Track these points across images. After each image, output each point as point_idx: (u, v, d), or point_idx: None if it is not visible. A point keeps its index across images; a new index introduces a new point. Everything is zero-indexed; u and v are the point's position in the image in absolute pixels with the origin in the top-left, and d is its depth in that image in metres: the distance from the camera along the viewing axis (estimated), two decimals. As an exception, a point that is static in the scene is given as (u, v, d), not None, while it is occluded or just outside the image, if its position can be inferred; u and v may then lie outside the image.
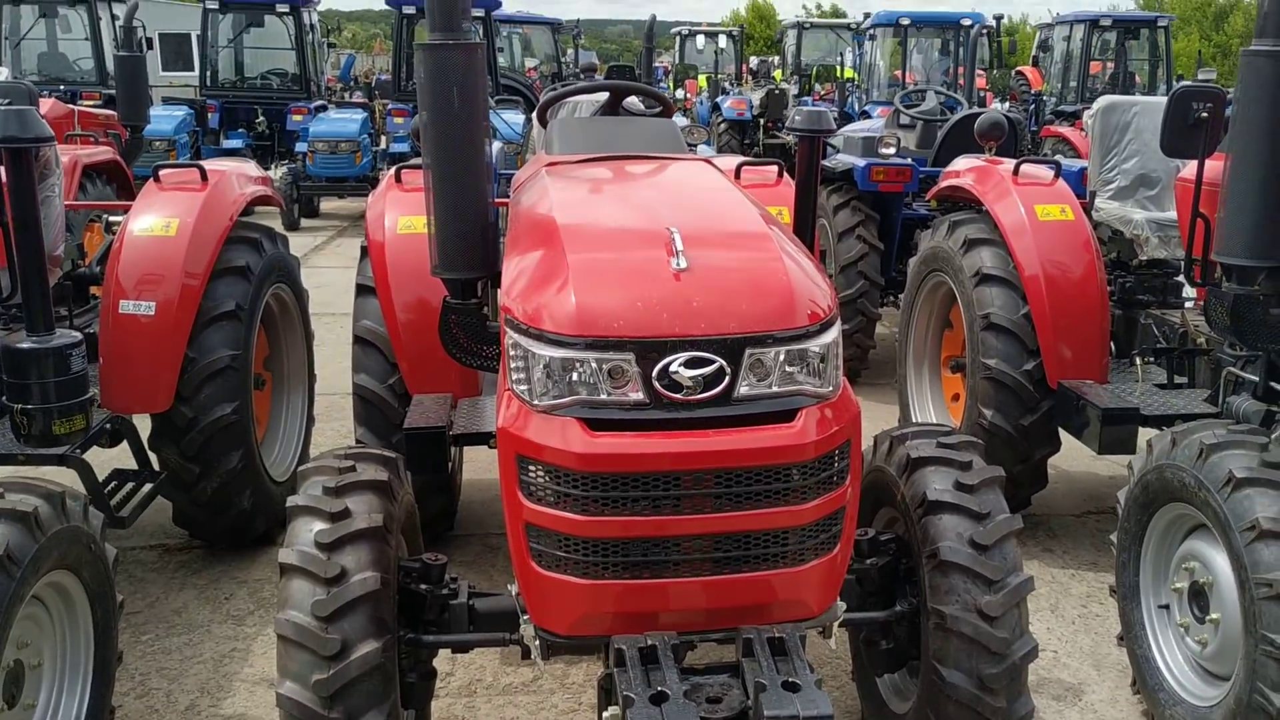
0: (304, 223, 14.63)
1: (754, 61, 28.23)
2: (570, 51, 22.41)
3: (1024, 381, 4.90)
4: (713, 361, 2.48)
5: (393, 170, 4.89)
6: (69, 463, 4.21)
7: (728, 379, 2.49)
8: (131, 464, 4.72)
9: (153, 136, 14.03)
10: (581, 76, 12.15)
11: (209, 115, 16.04)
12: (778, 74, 25.92)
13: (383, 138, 16.67)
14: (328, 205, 16.30)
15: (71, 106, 10.05)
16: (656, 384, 2.47)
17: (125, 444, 4.67)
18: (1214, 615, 3.45)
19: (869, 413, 7.09)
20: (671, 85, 26.16)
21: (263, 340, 5.57)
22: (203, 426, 4.67)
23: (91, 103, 15.01)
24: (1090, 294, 4.85)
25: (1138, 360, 4.95)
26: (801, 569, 2.60)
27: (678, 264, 2.60)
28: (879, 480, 3.46)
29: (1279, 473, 3.26)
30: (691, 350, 2.47)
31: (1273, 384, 4.16)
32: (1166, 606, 3.76)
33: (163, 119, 14.69)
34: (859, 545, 3.37)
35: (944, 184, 5.76)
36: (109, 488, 4.56)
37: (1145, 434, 4.27)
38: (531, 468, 2.54)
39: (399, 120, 15.50)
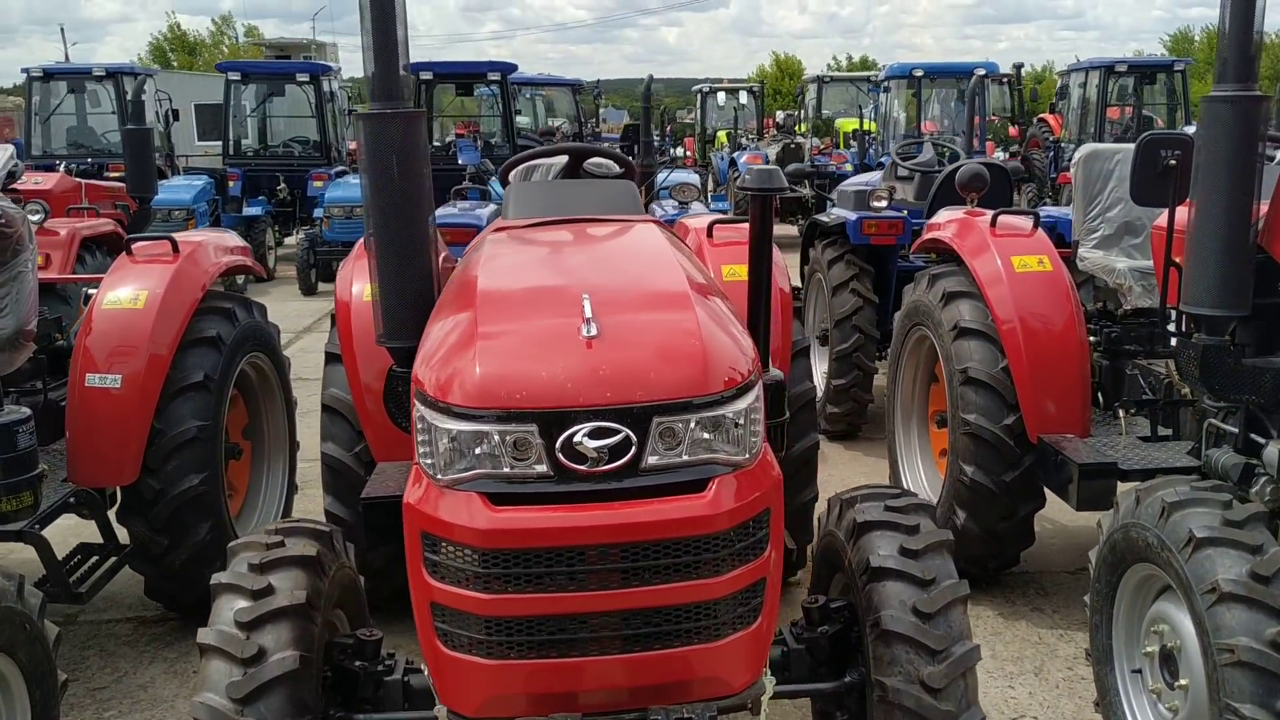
0: (321, 287, 14.75)
1: (780, 116, 28.37)
2: (602, 110, 22.62)
3: (1004, 436, 4.79)
4: (617, 431, 2.41)
5: (363, 239, 4.89)
6: (25, 539, 4.21)
7: (634, 449, 2.42)
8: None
9: (171, 206, 14.28)
10: (555, 139, 12.18)
11: (230, 184, 16.28)
12: (801, 127, 26.04)
13: None
14: (346, 270, 16.41)
15: (79, 180, 10.26)
16: (560, 456, 2.41)
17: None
18: (1183, 681, 3.31)
19: (864, 468, 7.05)
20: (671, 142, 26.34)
21: (241, 409, 5.58)
22: (170, 498, 4.65)
23: (118, 174, 15.33)
24: (1069, 346, 4.74)
25: (1121, 413, 4.81)
26: (718, 644, 2.51)
27: (588, 331, 2.54)
28: (830, 545, 3.36)
29: (1240, 532, 3.13)
30: (596, 420, 2.41)
31: (1253, 436, 4.02)
32: (1139, 671, 3.61)
33: (181, 189, 14.94)
34: (809, 613, 3.27)
35: (925, 237, 5.68)
36: (73, 562, 4.55)
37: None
38: (435, 544, 2.47)
39: None
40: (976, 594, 5.12)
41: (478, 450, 2.44)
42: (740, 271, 4.86)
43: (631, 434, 2.41)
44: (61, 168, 15.82)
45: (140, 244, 5.01)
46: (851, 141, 20.22)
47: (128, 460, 4.59)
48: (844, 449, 7.56)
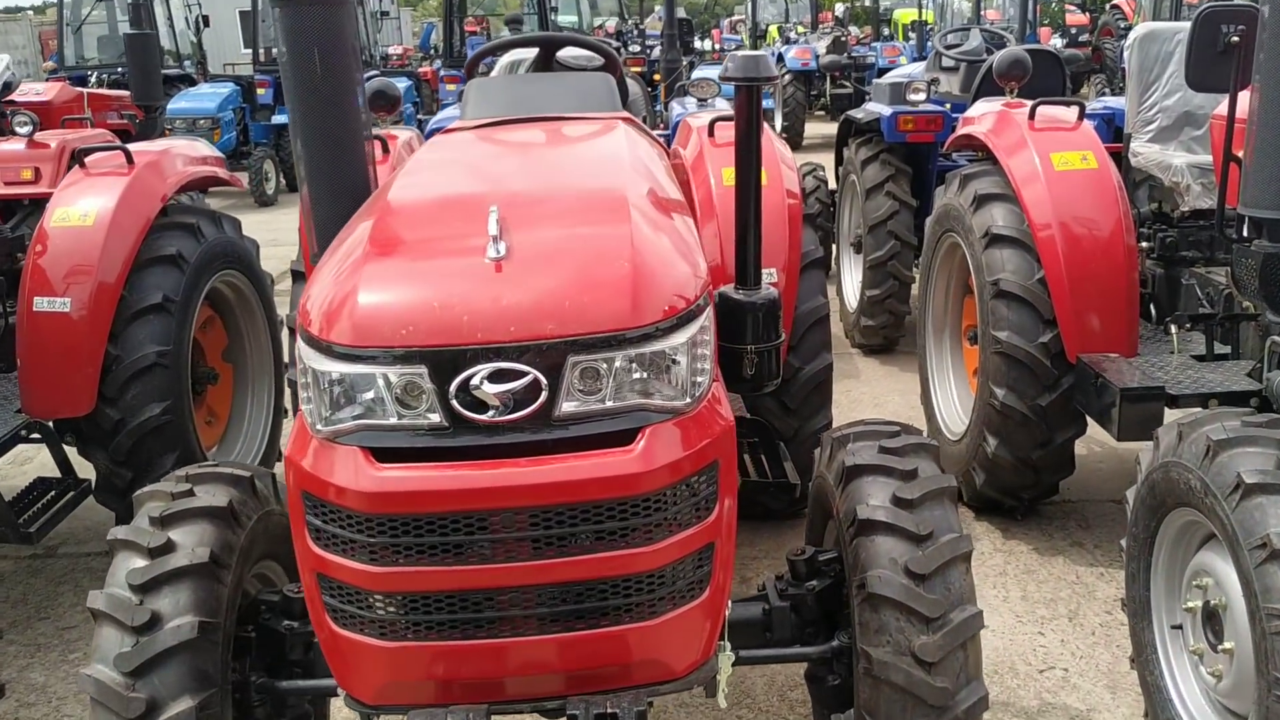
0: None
1: (840, 9, 27.25)
2: (658, 7, 21.73)
3: (1039, 356, 4.28)
4: (524, 374, 1.99)
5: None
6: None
7: (545, 394, 2.00)
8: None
9: (195, 115, 13.96)
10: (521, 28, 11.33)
11: (259, 91, 15.87)
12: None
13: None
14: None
15: (80, 89, 9.91)
16: (455, 403, 1.99)
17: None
18: (1228, 644, 2.86)
19: (900, 385, 6.57)
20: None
21: (219, 331, 5.25)
22: (131, 429, 4.35)
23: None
24: (1115, 253, 4.20)
25: (1173, 328, 4.28)
26: (655, 623, 2.11)
27: (495, 252, 2.11)
28: (821, 489, 2.95)
29: (1302, 477, 2.65)
30: (497, 360, 1.99)
31: (1322, 356, 3.50)
32: (1180, 627, 3.16)
33: (205, 96, 14.58)
34: (794, 566, 2.87)
35: (958, 132, 5.12)
36: (31, 498, 4.28)
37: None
38: (317, 506, 2.09)
39: (451, 87, 15.13)
40: (1010, 527, 4.71)
41: (360, 397, 2.04)
42: (668, 182, 4.40)
43: (541, 376, 1.99)
44: (94, 78, 15.57)
45: (94, 156, 4.63)
46: (910, 34, 19.22)
47: (82, 389, 4.28)
48: (879, 364, 7.08)
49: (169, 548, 2.54)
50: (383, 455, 2.03)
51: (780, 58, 17.81)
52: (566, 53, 4.16)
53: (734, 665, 2.73)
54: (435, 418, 2.01)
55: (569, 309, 2.03)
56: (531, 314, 2.01)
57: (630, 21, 21.88)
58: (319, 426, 2.09)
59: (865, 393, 6.55)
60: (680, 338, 2.11)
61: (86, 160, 4.62)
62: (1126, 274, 4.20)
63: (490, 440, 2.00)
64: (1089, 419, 4.33)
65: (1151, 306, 4.68)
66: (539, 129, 3.28)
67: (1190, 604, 3.05)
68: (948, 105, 6.92)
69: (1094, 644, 3.91)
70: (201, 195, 6.68)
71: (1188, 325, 4.28)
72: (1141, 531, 3.23)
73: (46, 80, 14.12)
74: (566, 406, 2.02)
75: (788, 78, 16.69)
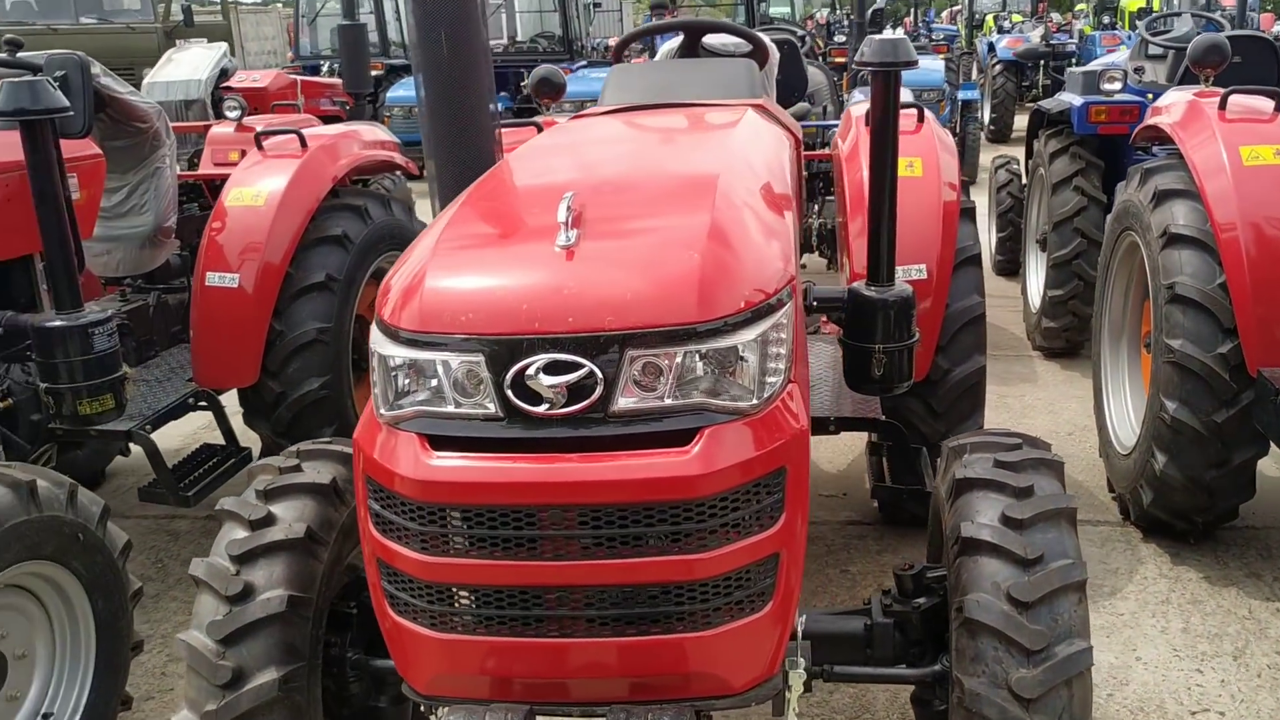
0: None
1: None
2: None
3: (1217, 368, 3.92)
4: (580, 366, 1.93)
5: None
6: (134, 438, 4.20)
7: (601, 388, 1.94)
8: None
9: (409, 102, 14.50)
10: (669, 13, 11.09)
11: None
12: (1082, 5, 23.67)
13: None
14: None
15: (295, 77, 10.44)
16: (510, 393, 1.96)
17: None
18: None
19: (1079, 392, 6.16)
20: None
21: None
22: (290, 401, 4.54)
23: (376, 72, 15.78)
24: (1308, 259, 3.79)
25: (1374, 344, 3.83)
26: (709, 634, 2.01)
27: (565, 239, 2.06)
28: (936, 502, 2.79)
29: None
30: (553, 351, 1.94)
31: None
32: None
33: (410, 84, 15.13)
34: (901, 581, 2.72)
35: (1145, 123, 4.74)
36: (196, 463, 4.53)
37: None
38: (377, 491, 2.10)
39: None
40: (1181, 552, 4.37)
41: (421, 383, 2.03)
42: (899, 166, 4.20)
43: (598, 369, 1.93)
44: (325, 67, 16.45)
45: (271, 139, 4.85)
46: (1137, 22, 18.08)
47: (246, 362, 4.50)
48: (1060, 369, 6.68)
49: (269, 521, 2.61)
50: (439, 443, 2.01)
51: (991, 47, 17.11)
52: (714, 39, 4.08)
53: (826, 681, 2.62)
54: (490, 407, 1.98)
55: (630, 300, 1.95)
56: (590, 304, 1.95)
57: (842, 11, 21.47)
58: (382, 411, 2.09)
59: (1040, 399, 6.19)
60: (750, 334, 2.00)
61: (264, 143, 4.84)
62: (1321, 282, 3.79)
63: (543, 433, 1.96)
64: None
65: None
66: (660, 115, 3.22)
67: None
68: (1150, 95, 6.44)
69: (1258, 687, 3.55)
70: (403, 179, 6.94)
71: (1393, 342, 3.82)
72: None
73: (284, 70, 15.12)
74: (623, 402, 1.95)
75: (998, 68, 15.99)
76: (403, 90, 15.14)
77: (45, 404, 3.67)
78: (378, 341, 2.11)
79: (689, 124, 3.12)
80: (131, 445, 4.92)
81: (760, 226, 2.27)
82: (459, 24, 2.93)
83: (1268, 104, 4.16)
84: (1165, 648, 3.79)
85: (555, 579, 1.98)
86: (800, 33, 7.39)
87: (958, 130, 13.35)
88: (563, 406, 1.94)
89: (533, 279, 2.02)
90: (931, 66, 13.15)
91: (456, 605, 2.04)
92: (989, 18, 23.88)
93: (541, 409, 1.95)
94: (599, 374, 1.93)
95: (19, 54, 4.36)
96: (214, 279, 4.48)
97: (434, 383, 2.02)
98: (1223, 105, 4.16)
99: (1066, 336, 6.63)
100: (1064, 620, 2.33)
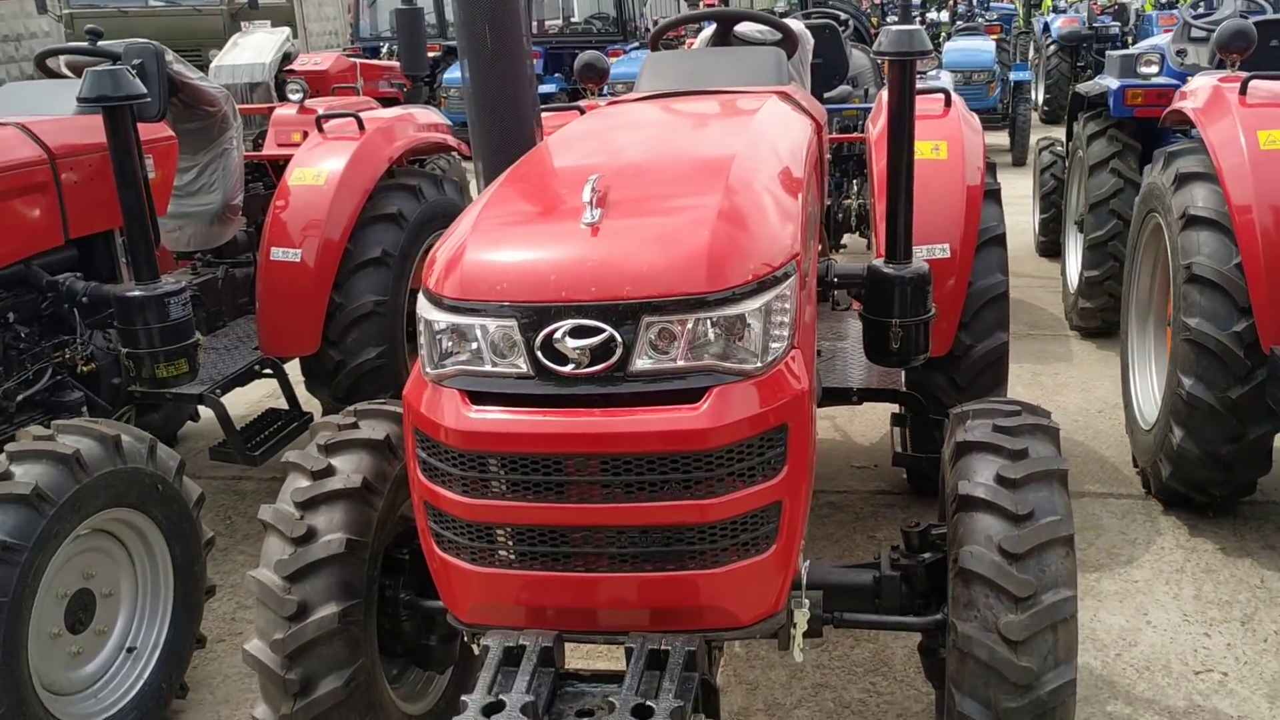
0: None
1: None
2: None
3: (1232, 346, 4.07)
4: (600, 330, 2.17)
5: None
6: (205, 401, 4.51)
7: (620, 351, 2.18)
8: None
9: (457, 84, 14.78)
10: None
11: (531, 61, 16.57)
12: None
13: None
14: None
15: (355, 60, 10.75)
16: (540, 354, 2.20)
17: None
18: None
19: (1113, 371, 6.27)
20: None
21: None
22: (349, 369, 4.83)
23: (433, 54, 16.08)
24: (1321, 240, 3.92)
25: (1386, 323, 3.95)
26: (718, 572, 2.25)
27: (589, 217, 2.29)
28: (943, 465, 2.99)
29: None
30: (578, 317, 2.18)
31: None
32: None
33: (468, 67, 15.42)
34: (908, 537, 2.94)
35: (1171, 107, 4.86)
36: (261, 425, 4.85)
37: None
38: (424, 441, 2.36)
39: (612, 60, 15.34)
40: (1199, 524, 4.53)
41: (462, 345, 2.28)
42: (923, 149, 4.37)
43: (616, 334, 2.16)
44: (385, 49, 16.78)
45: (331, 121, 5.13)
46: (1200, 4, 17.84)
47: (308, 331, 4.80)
48: (1095, 348, 6.80)
49: (329, 472, 2.89)
50: (478, 399, 2.26)
51: (1047, 27, 17.01)
52: (745, 28, 4.28)
53: (837, 627, 2.85)
54: (523, 366, 2.22)
55: (646, 272, 2.19)
56: (611, 276, 2.19)
57: None
58: (428, 370, 2.35)
59: (1074, 376, 6.33)
60: (755, 304, 2.23)
61: (325, 125, 5.12)
62: (1334, 262, 3.92)
63: (569, 390, 2.20)
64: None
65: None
66: (688, 101, 3.43)
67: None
68: (1190, 79, 6.51)
69: (1263, 651, 3.72)
70: (457, 159, 7.20)
71: (1404, 321, 3.94)
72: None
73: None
74: (640, 363, 2.19)
75: (1052, 48, 15.91)
76: (458, 72, 15.43)
77: (125, 368, 3.98)
78: (424, 308, 2.36)
79: (713, 110, 3.33)
80: (201, 411, 5.26)
81: (769, 205, 2.49)
82: (500, 15, 3.16)
83: (1289, 89, 4.28)
84: (1176, 612, 3.97)
85: (580, 520, 2.23)
86: (845, 15, 7.53)
87: (1009, 111, 13.38)
88: (586, 367, 2.18)
89: (560, 253, 2.27)
90: (981, 47, 13.20)
91: (494, 542, 2.29)
92: (1047, -3, 23.64)
93: (568, 369, 2.19)
94: (619, 338, 2.17)
95: (99, 43, 4.68)
96: (278, 254, 4.78)
97: (473, 345, 2.27)
98: (1243, 90, 4.28)
99: (1102, 317, 6.74)
100: (1051, 571, 2.54)
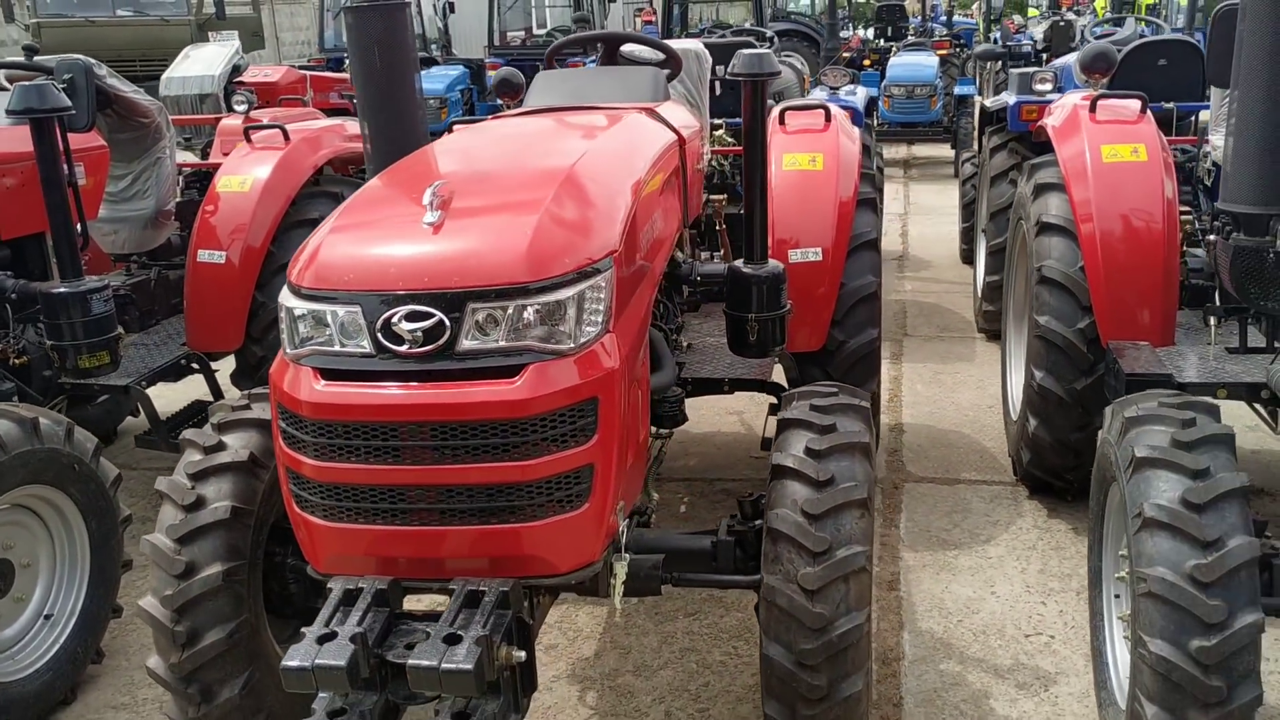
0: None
1: None
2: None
3: (1075, 341, 4.43)
4: (430, 315, 2.50)
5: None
6: (131, 393, 4.82)
7: (449, 333, 2.51)
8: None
9: (426, 95, 15.07)
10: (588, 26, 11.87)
11: (488, 74, 16.95)
12: (1099, 4, 23.91)
13: None
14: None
15: (305, 72, 11.07)
16: (381, 336, 2.53)
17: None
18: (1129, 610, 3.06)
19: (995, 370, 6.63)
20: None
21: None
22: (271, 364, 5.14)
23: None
24: (1153, 245, 4.29)
25: (1211, 320, 4.32)
26: (536, 525, 2.57)
27: (430, 217, 2.63)
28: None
29: (1186, 454, 2.84)
30: (412, 304, 2.51)
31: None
32: (1118, 596, 3.35)
33: (436, 78, 15.66)
34: (742, 506, 3.29)
35: (1038, 123, 5.24)
36: (187, 417, 5.15)
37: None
38: (283, 414, 2.68)
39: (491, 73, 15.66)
40: (1058, 508, 4.89)
41: (312, 328, 2.61)
42: (801, 160, 4.74)
43: (445, 318, 2.49)
44: (349, 62, 17.06)
45: (259, 132, 5.46)
46: (1155, 20, 18.34)
47: (232, 329, 5.12)
48: (996, 350, 7.14)
49: (220, 447, 3.21)
50: (328, 375, 2.59)
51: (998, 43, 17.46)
52: (633, 48, 4.62)
53: (675, 586, 3.19)
54: (366, 346, 2.55)
55: (470, 265, 2.53)
56: (441, 268, 2.52)
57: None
58: (288, 351, 2.68)
59: (972, 375, 6.70)
60: (568, 293, 2.56)
61: (253, 136, 5.44)
62: (1164, 266, 4.28)
63: (405, 367, 2.53)
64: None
65: (1216, 297, 4.69)
66: (558, 117, 3.76)
67: (1120, 574, 3.25)
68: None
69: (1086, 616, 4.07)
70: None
71: (1223, 317, 4.31)
72: (1095, 506, 3.43)
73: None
74: (466, 343, 2.52)
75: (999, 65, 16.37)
76: (424, 83, 15.73)
77: (52, 359, 4.29)
78: (284, 297, 2.69)
79: (575, 124, 3.67)
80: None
81: (594, 207, 2.83)
82: (387, 36, 3.50)
83: (1134, 107, 4.65)
84: (1019, 584, 4.32)
85: (414, 479, 2.56)
86: (768, 34, 7.89)
87: (953, 124, 13.79)
88: (420, 346, 2.51)
89: (400, 249, 2.60)
90: (924, 62, 13.62)
91: (341, 500, 2.62)
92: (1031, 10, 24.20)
93: (404, 348, 2.52)
94: (447, 322, 2.50)
95: (34, 58, 4.99)
96: (204, 255, 5.10)
97: (326, 329, 2.60)
98: (1093, 108, 4.66)
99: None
100: (846, 530, 2.89)
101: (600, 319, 2.64)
